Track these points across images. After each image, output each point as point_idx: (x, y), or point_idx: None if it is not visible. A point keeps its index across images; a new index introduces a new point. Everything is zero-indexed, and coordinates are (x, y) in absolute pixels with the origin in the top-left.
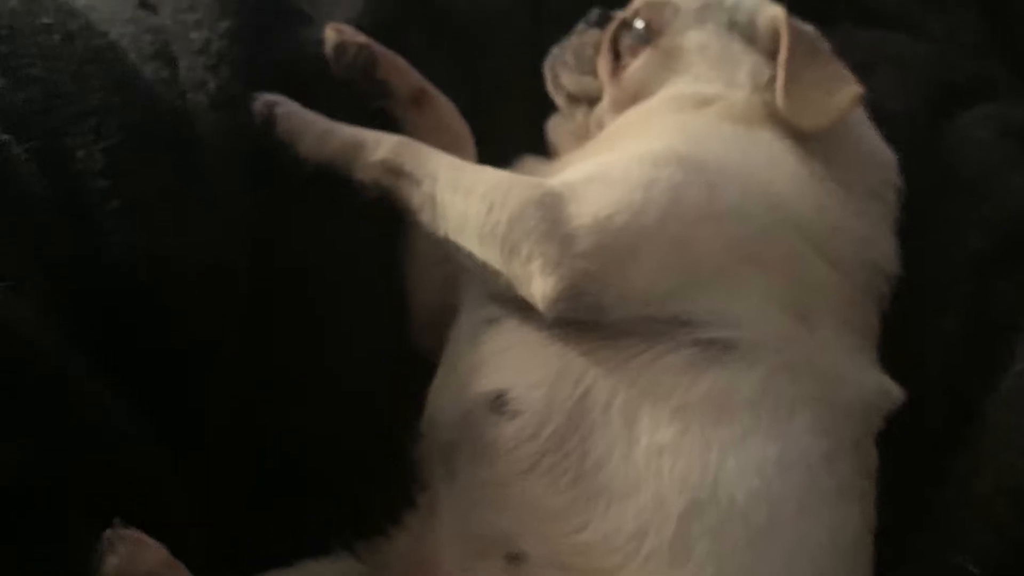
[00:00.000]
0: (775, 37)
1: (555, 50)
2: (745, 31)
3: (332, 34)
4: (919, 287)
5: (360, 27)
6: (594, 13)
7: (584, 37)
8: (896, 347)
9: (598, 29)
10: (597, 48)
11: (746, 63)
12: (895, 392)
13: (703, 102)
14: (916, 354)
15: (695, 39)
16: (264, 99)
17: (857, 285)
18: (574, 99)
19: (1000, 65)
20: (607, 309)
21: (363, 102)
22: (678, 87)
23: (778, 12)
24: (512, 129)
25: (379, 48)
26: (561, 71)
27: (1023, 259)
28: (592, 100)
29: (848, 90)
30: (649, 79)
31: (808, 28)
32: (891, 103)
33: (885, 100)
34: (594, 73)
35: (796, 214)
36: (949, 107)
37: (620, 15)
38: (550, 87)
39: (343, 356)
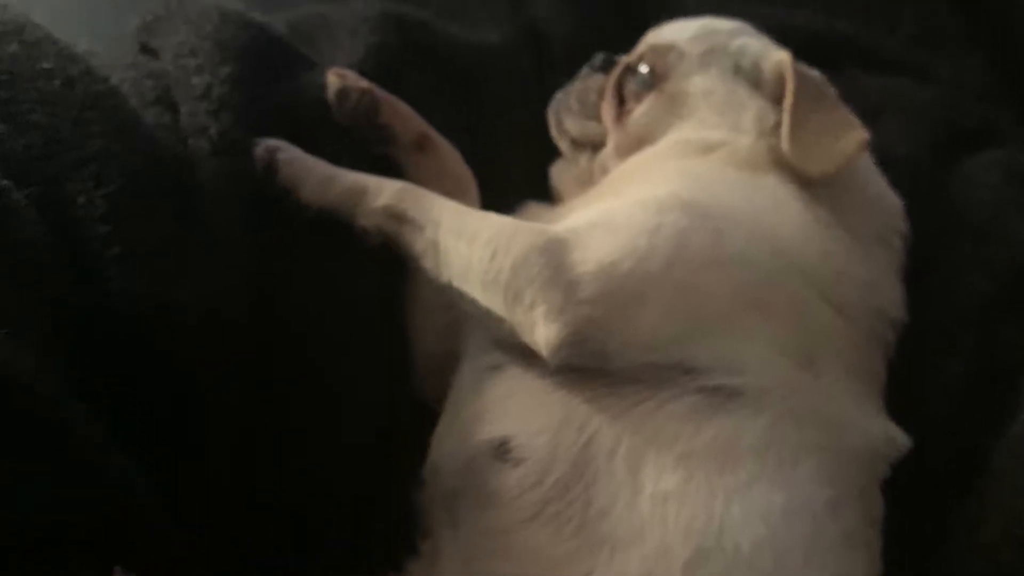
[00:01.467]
0: (781, 82)
1: (559, 95)
2: (750, 76)
3: (334, 79)
4: (925, 332)
5: (362, 72)
6: (598, 58)
7: (588, 82)
8: (902, 393)
9: (602, 74)
10: (601, 93)
11: (751, 108)
12: (901, 439)
13: (708, 147)
14: (922, 400)
15: (700, 84)
16: (266, 144)
17: (863, 331)
18: (578, 144)
19: (1006, 110)
20: (611, 356)
21: (365, 147)
22: (683, 132)
23: (784, 57)
24: (515, 174)
25: (381, 93)
26: (565, 116)
27: None
28: (596, 145)
29: (854, 135)
30: (654, 124)
31: (814, 73)
32: (897, 148)
33: (891, 145)
34: (598, 118)
35: (801, 260)
36: (955, 152)
37: (624, 60)
38: (554, 132)
39: (345, 403)
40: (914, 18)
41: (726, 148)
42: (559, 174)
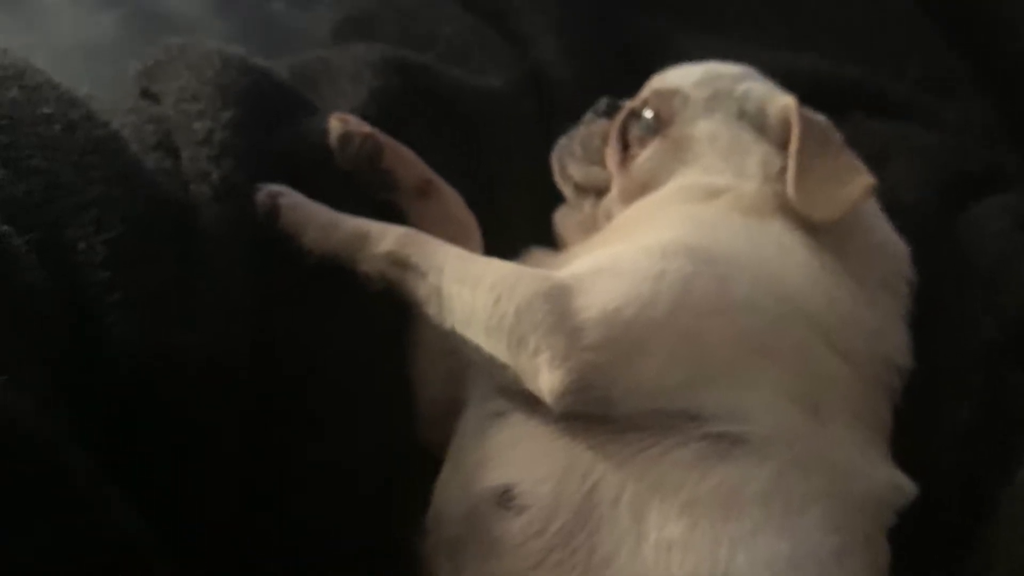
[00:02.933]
0: (786, 127)
1: (562, 140)
2: (755, 121)
3: (336, 124)
4: (933, 379)
5: (365, 117)
6: (602, 103)
7: (592, 127)
8: (909, 440)
9: (606, 119)
10: (605, 138)
11: (756, 153)
12: (908, 487)
13: (712, 193)
14: (929, 447)
15: (704, 129)
16: (268, 190)
17: (868, 378)
18: (582, 189)
19: (1014, 154)
20: (616, 403)
21: (368, 193)
22: (687, 178)
23: (789, 102)
24: (519, 220)
25: (384, 138)
26: (568, 161)
27: None
28: (600, 191)
29: (860, 181)
30: (658, 169)
31: (820, 118)
32: (905, 193)
33: (899, 191)
34: (602, 163)
35: (807, 306)
36: (963, 197)
37: (628, 105)
38: (557, 177)
39: (347, 450)
40: (921, 62)
41: (731, 193)
42: (563, 220)
